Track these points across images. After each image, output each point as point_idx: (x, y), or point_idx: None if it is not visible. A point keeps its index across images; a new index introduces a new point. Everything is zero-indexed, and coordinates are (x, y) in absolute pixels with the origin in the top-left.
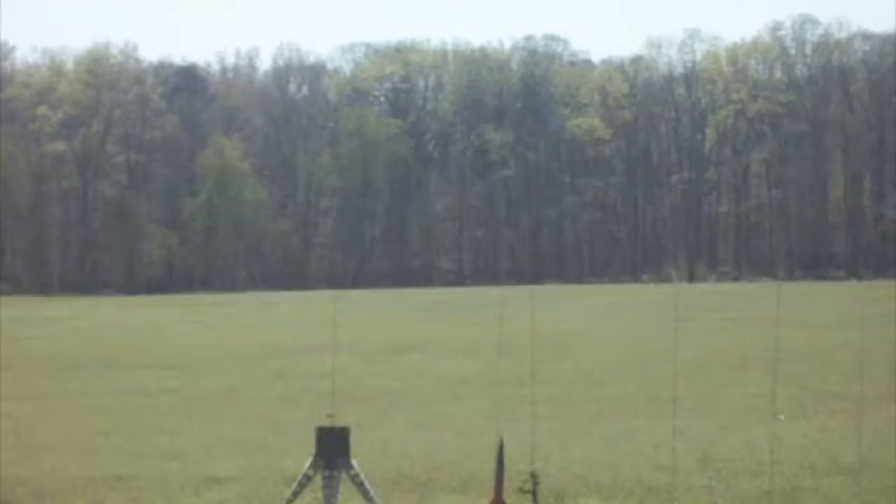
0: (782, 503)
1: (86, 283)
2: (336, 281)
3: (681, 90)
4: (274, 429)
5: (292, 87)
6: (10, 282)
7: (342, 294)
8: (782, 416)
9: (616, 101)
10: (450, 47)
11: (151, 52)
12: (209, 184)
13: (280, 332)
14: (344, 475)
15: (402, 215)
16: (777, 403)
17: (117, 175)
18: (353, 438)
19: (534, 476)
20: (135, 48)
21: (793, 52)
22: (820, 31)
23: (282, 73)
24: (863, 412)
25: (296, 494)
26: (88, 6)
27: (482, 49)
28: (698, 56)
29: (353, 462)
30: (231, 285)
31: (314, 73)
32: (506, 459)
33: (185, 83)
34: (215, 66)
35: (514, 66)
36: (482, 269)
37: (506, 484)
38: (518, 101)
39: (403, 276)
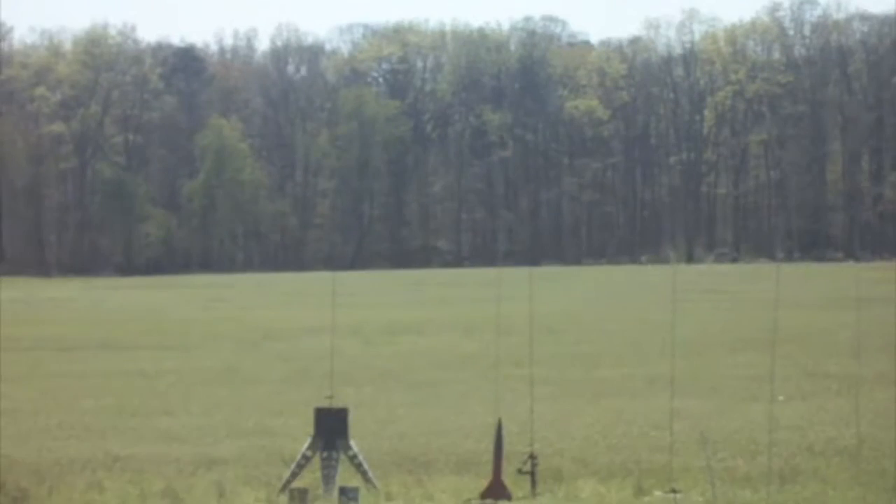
0: (780, 484)
1: (84, 263)
2: (334, 262)
3: (679, 71)
4: (272, 409)
5: (290, 68)
6: (8, 263)
7: (340, 275)
8: (781, 397)
9: (614, 82)
10: (448, 28)
11: (150, 32)
12: (207, 164)
13: (278, 312)
14: (342, 456)
15: (400, 196)
16: (775, 384)
17: (115, 156)
18: (352, 419)
19: (532, 457)
20: (133, 29)
21: (791, 32)
22: (818, 11)
23: (280, 54)
24: (860, 393)
25: (294, 475)
26: None
27: (481, 30)
28: (697, 37)
29: (352, 443)
30: (229, 266)
31: (312, 53)
32: (504, 440)
33: (184, 64)
34: (214, 47)
35: (512, 47)
36: (480, 250)
37: (504, 465)
38: (516, 82)
39: (402, 257)
